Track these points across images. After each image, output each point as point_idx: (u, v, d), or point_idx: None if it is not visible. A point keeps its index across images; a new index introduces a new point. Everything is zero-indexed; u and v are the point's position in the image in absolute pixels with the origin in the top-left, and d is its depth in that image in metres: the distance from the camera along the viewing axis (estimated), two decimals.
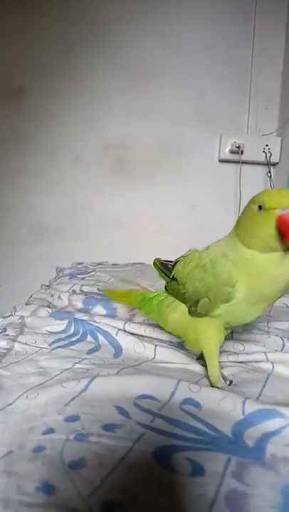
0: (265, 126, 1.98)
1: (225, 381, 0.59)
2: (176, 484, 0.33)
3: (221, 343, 0.60)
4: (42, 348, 0.68)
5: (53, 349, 0.68)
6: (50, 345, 0.69)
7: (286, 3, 1.95)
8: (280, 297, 0.55)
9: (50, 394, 0.49)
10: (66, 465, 0.35)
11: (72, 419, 0.43)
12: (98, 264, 1.60)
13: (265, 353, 0.66)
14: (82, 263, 1.59)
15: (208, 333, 0.59)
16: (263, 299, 0.54)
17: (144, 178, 1.99)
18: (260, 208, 0.48)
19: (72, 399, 0.47)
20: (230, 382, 0.59)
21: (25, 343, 0.69)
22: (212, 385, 0.57)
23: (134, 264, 1.62)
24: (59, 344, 0.70)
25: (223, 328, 0.59)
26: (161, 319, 0.68)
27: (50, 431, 0.41)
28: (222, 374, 0.61)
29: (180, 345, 0.73)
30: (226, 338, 0.65)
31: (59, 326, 0.77)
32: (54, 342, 0.71)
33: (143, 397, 0.48)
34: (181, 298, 0.63)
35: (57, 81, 1.91)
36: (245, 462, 0.37)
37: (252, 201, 0.50)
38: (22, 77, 1.92)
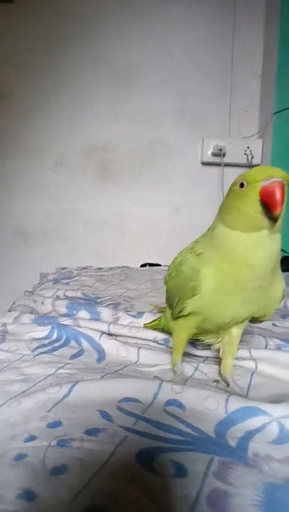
0: (246, 128, 2.01)
1: (217, 382, 0.59)
2: (159, 486, 0.33)
3: (187, 340, 0.61)
4: (25, 354, 0.67)
5: (36, 355, 0.67)
6: (33, 351, 0.69)
7: (264, 7, 1.99)
8: (260, 289, 0.51)
9: (32, 401, 0.48)
10: (48, 471, 0.35)
11: (55, 425, 0.43)
12: (82, 268, 1.59)
13: (249, 350, 0.67)
14: (66, 268, 1.57)
15: (178, 331, 0.60)
16: (239, 287, 0.50)
17: (129, 180, 2.00)
18: (242, 185, 0.47)
19: (55, 405, 0.47)
20: (217, 381, 0.59)
21: (8, 351, 0.68)
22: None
23: (118, 267, 1.62)
24: (42, 350, 0.69)
25: (193, 328, 0.58)
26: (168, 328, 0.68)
27: (32, 438, 0.40)
28: (219, 377, 0.61)
29: (165, 344, 0.73)
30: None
31: (42, 332, 0.77)
32: (37, 348, 0.70)
33: (126, 400, 0.48)
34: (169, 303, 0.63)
35: (40, 82, 1.91)
36: (227, 461, 0.37)
37: (233, 183, 0.49)
38: (4, 78, 1.91)
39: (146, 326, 0.79)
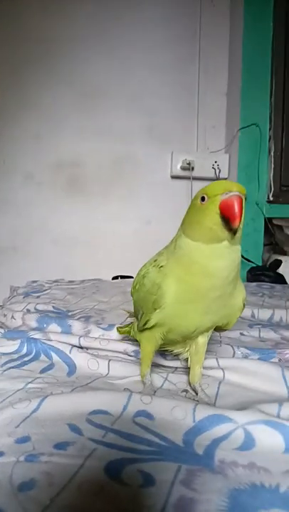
0: (214, 143, 2.07)
1: (186, 392, 0.60)
2: (127, 497, 0.34)
3: (155, 351, 0.62)
4: None
5: (5, 370, 0.66)
6: (1, 366, 0.68)
7: (228, 28, 2.07)
8: (221, 299, 0.53)
9: (1, 417, 0.48)
10: (15, 488, 0.35)
11: (23, 440, 0.43)
12: (54, 281, 1.58)
13: (216, 359, 0.68)
14: (37, 281, 1.56)
15: (144, 343, 0.62)
16: (200, 296, 0.52)
17: (98, 195, 2.01)
18: (202, 199, 0.49)
19: (24, 420, 0.47)
20: (186, 391, 0.60)
21: None
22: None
23: (90, 280, 1.62)
24: (11, 365, 0.68)
25: (159, 339, 0.59)
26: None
27: (0, 454, 0.40)
28: (189, 387, 0.62)
29: (135, 356, 0.74)
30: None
31: (11, 346, 0.75)
32: (6, 363, 0.69)
33: (96, 412, 0.48)
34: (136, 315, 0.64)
35: (6, 99, 1.90)
36: (194, 469, 0.38)
37: (195, 197, 0.51)
38: None
39: (118, 330, 0.80)
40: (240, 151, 1.95)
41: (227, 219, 0.46)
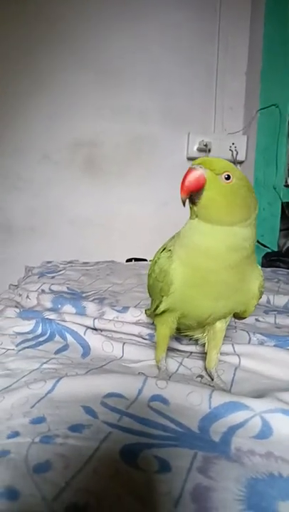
0: (231, 125, 2.02)
1: (201, 377, 0.59)
2: (142, 483, 0.33)
3: (171, 336, 0.61)
4: (9, 349, 0.67)
5: (20, 350, 0.66)
6: (17, 346, 0.68)
7: (249, 5, 1.99)
8: (228, 284, 0.52)
9: (16, 397, 0.48)
10: (31, 469, 0.35)
11: (39, 421, 0.43)
12: (68, 262, 1.58)
13: (232, 345, 0.68)
14: (51, 262, 1.56)
15: (159, 328, 0.61)
16: (204, 280, 0.51)
17: (115, 176, 1.99)
18: None
19: (39, 400, 0.47)
20: (201, 376, 0.60)
21: None
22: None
23: (104, 262, 1.62)
24: (26, 345, 0.69)
25: (173, 323, 0.58)
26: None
27: (15, 434, 0.40)
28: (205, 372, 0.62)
29: (150, 340, 0.74)
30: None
31: (26, 326, 0.76)
32: (21, 343, 0.69)
33: (110, 395, 0.48)
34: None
35: (23, 77, 1.87)
36: (210, 456, 0.37)
37: None
38: None
39: (146, 312, 0.80)
40: (258, 133, 1.90)
41: None
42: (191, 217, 0.51)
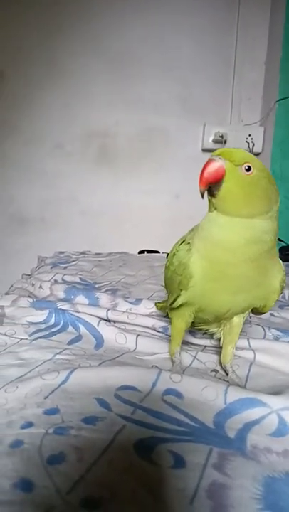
0: (248, 116, 1.98)
1: (216, 372, 0.59)
2: (157, 477, 0.33)
3: (186, 330, 0.61)
4: (22, 339, 0.67)
5: (34, 340, 0.66)
6: (30, 335, 0.68)
7: None
8: (248, 278, 0.50)
9: (29, 386, 0.48)
10: (45, 460, 0.34)
11: (52, 412, 0.42)
12: (81, 253, 1.58)
13: (247, 340, 0.67)
14: (64, 252, 1.56)
15: (175, 321, 0.60)
16: (223, 273, 0.50)
17: (128, 167, 1.97)
18: None
19: (52, 391, 0.46)
20: (215, 371, 0.59)
21: (5, 334, 0.67)
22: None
23: (116, 253, 1.61)
24: (39, 335, 0.69)
25: (190, 317, 0.58)
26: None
27: (29, 425, 0.40)
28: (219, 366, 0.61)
29: (163, 332, 0.73)
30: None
31: (40, 316, 0.76)
32: (34, 333, 0.69)
33: (124, 388, 0.47)
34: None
35: (37, 67, 1.86)
36: (226, 453, 0.37)
37: None
38: (1, 62, 1.85)
39: (156, 305, 0.80)
40: (276, 125, 1.86)
41: None
42: (209, 210, 0.50)
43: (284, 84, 1.84)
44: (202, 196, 0.47)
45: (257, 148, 1.93)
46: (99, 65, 1.90)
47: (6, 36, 1.84)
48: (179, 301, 0.55)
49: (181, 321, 0.59)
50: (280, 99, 1.84)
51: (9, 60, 1.85)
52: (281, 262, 0.55)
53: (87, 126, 1.93)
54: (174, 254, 0.56)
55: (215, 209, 0.48)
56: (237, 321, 0.58)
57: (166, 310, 0.69)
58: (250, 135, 1.93)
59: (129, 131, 1.96)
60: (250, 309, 0.58)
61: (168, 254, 0.61)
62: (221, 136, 1.89)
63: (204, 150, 1.97)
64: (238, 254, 0.48)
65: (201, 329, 0.64)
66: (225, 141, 1.90)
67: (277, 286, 0.55)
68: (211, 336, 0.64)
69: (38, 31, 1.84)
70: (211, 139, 1.93)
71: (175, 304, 0.56)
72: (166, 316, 0.72)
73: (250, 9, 1.95)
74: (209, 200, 0.50)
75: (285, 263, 1.55)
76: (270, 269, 0.52)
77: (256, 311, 0.60)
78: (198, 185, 0.45)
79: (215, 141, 1.92)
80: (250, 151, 1.88)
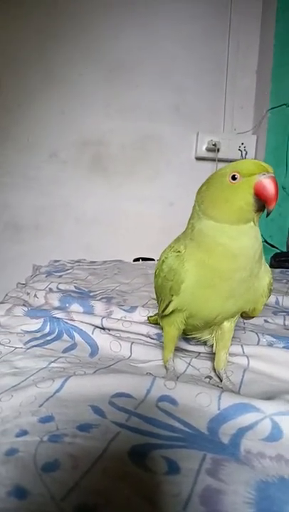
0: (241, 124, 2.01)
1: (210, 378, 0.59)
2: (151, 484, 0.33)
3: (178, 337, 0.61)
4: (17, 347, 0.67)
5: (28, 348, 0.66)
6: (25, 344, 0.68)
7: (261, 2, 1.98)
8: (247, 281, 0.51)
9: (24, 395, 0.48)
10: (39, 468, 0.34)
11: (47, 419, 0.42)
12: (76, 261, 1.58)
13: (241, 346, 0.67)
14: (59, 261, 1.57)
15: (167, 328, 0.61)
16: (224, 280, 0.50)
17: (122, 175, 1.99)
18: (233, 177, 0.47)
19: (47, 399, 0.46)
20: (209, 377, 0.59)
21: (0, 343, 0.67)
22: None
23: (111, 261, 1.62)
24: (34, 343, 0.69)
25: (181, 324, 0.58)
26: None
27: (24, 433, 0.40)
28: (213, 373, 0.61)
29: (158, 339, 0.73)
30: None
31: (34, 324, 0.76)
32: (29, 341, 0.69)
33: (118, 395, 0.47)
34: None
35: (32, 75, 1.88)
36: (219, 459, 0.37)
37: (221, 175, 0.49)
38: None
39: (149, 320, 0.80)
40: (268, 133, 1.89)
41: (262, 200, 0.45)
42: (200, 219, 0.51)
43: (275, 93, 1.87)
44: (268, 215, 0.48)
45: (249, 156, 1.95)
46: (93, 73, 1.92)
47: (1, 44, 1.86)
48: (171, 307, 0.55)
49: (173, 328, 0.59)
50: (272, 108, 1.86)
51: (4, 67, 1.86)
52: (267, 265, 0.57)
53: (81, 134, 1.94)
54: (163, 261, 0.56)
55: (210, 218, 0.50)
56: (228, 325, 0.59)
57: (158, 321, 0.70)
58: (243, 143, 1.95)
59: (123, 138, 1.98)
60: (239, 314, 0.59)
61: None
62: (214, 145, 1.91)
63: (198, 158, 1.99)
64: (249, 258, 0.49)
65: (193, 337, 0.64)
66: (218, 150, 1.92)
67: (266, 289, 0.56)
68: (205, 343, 0.64)
69: (33, 39, 1.86)
70: (204, 147, 1.95)
71: (167, 311, 0.56)
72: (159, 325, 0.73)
73: (242, 18, 1.99)
74: (198, 209, 0.52)
75: (280, 269, 1.56)
76: (258, 273, 0.53)
77: (246, 315, 0.61)
78: (271, 205, 0.45)
79: (208, 150, 1.94)
80: (243, 159, 1.90)
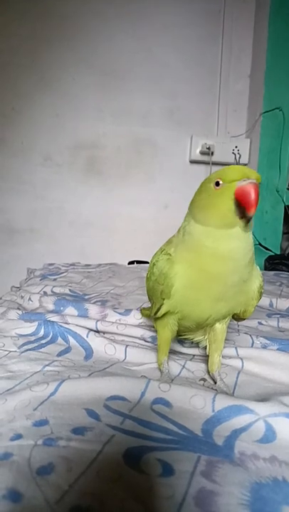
0: (235, 128, 2.02)
1: (204, 380, 0.59)
2: (146, 486, 0.33)
3: (172, 339, 0.61)
4: (11, 351, 0.66)
5: (23, 352, 0.66)
6: (19, 348, 0.68)
7: (253, 6, 1.99)
8: (237, 284, 0.52)
9: (18, 399, 0.48)
10: (34, 471, 0.34)
11: (41, 423, 0.42)
12: (70, 265, 1.58)
13: (235, 348, 0.67)
14: (53, 264, 1.56)
15: (160, 331, 0.61)
16: (213, 282, 0.51)
17: (116, 178, 1.99)
18: (217, 184, 0.48)
19: (41, 403, 0.46)
20: (204, 380, 0.60)
21: None
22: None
23: (106, 264, 1.62)
24: (29, 347, 0.68)
25: (174, 325, 0.59)
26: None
27: (18, 437, 0.40)
28: (207, 375, 0.62)
29: (152, 342, 0.73)
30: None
31: (29, 328, 0.76)
32: (24, 345, 0.69)
33: (113, 398, 0.47)
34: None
35: (26, 79, 1.88)
36: (214, 460, 0.37)
37: (208, 181, 0.50)
38: None
39: (142, 312, 0.81)
40: (262, 136, 1.90)
41: (242, 206, 0.46)
42: (189, 223, 0.52)
43: (268, 97, 1.88)
44: (248, 221, 0.48)
45: (243, 160, 1.96)
46: (87, 77, 1.92)
47: None
48: (163, 310, 0.56)
49: (167, 330, 0.59)
50: (265, 112, 1.88)
51: None
52: (258, 268, 0.57)
53: (76, 138, 1.94)
54: (154, 265, 0.57)
55: (198, 221, 0.50)
56: (220, 327, 0.59)
57: (152, 321, 0.70)
58: (236, 147, 1.96)
59: (117, 142, 1.98)
60: (230, 315, 0.59)
61: None
62: (208, 148, 1.92)
63: (192, 161, 2.00)
64: (236, 261, 0.50)
65: (186, 338, 0.65)
66: (212, 153, 1.93)
67: (256, 292, 0.57)
68: (198, 344, 0.65)
69: (27, 43, 1.86)
70: (198, 151, 1.95)
71: (159, 314, 0.57)
72: (153, 326, 0.73)
73: (235, 22, 2.00)
74: (189, 213, 0.52)
75: (273, 272, 1.57)
76: (249, 276, 0.54)
77: (237, 317, 0.61)
78: (252, 211, 0.45)
79: (202, 153, 1.95)
80: (236, 163, 1.92)
